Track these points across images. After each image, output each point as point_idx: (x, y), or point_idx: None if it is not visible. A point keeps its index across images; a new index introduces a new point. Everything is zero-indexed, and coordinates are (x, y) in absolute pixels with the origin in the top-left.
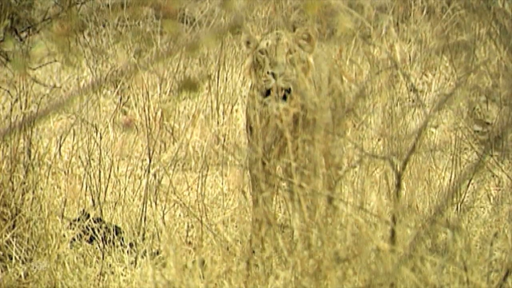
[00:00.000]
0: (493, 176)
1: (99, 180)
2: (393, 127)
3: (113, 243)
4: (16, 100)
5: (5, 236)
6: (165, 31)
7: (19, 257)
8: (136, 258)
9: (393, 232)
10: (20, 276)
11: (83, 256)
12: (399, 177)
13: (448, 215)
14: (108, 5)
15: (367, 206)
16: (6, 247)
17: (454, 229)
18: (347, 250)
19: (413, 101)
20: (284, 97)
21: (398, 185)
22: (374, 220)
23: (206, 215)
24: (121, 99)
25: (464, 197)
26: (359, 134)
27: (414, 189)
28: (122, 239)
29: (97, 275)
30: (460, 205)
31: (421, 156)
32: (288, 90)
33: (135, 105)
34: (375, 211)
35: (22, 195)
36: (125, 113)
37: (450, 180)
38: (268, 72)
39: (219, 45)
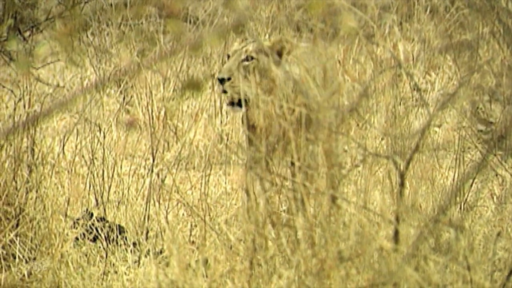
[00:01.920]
0: (496, 175)
1: (103, 179)
2: (396, 126)
3: (117, 242)
4: (20, 99)
5: (9, 235)
6: (168, 30)
7: (23, 256)
8: (139, 257)
9: (396, 232)
10: (24, 275)
11: (86, 255)
12: (402, 176)
13: (452, 214)
14: (111, 4)
15: (370, 206)
16: (10, 246)
17: (458, 229)
18: (350, 250)
19: (416, 100)
20: (239, 104)
21: (402, 184)
22: (378, 219)
23: (209, 214)
24: (124, 99)
25: (468, 196)
26: (363, 134)
27: (418, 189)
28: (126, 238)
29: (101, 274)
30: (464, 205)
31: (424, 155)
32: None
33: (139, 104)
34: (378, 211)
35: (26, 194)
36: (128, 112)
37: (453, 179)
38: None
39: (222, 44)
